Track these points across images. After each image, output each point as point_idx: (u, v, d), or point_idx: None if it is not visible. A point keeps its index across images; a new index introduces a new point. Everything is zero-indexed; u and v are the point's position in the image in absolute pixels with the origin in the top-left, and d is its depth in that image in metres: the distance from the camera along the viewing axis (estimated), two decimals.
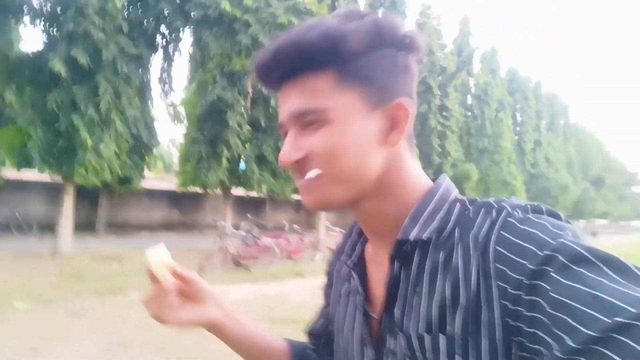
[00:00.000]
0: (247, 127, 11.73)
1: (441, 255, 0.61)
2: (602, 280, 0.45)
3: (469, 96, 27.41)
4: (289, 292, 8.43)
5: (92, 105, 8.88)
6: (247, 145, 11.96)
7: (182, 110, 14.67)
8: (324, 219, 15.22)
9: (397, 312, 0.64)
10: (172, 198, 21.15)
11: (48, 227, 14.40)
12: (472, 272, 0.57)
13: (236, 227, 11.43)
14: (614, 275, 0.45)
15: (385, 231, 0.68)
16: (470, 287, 0.56)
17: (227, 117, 11.08)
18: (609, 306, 0.42)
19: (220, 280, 8.91)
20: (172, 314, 0.76)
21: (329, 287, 0.90)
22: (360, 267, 0.76)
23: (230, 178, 12.11)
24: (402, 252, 0.65)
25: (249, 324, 0.85)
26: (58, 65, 8.29)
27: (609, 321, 0.41)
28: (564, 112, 40.60)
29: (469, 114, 27.13)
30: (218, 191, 13.68)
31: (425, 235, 0.63)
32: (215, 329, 0.82)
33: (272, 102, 11.90)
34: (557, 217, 0.57)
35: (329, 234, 14.52)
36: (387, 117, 0.65)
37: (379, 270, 0.72)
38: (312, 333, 0.94)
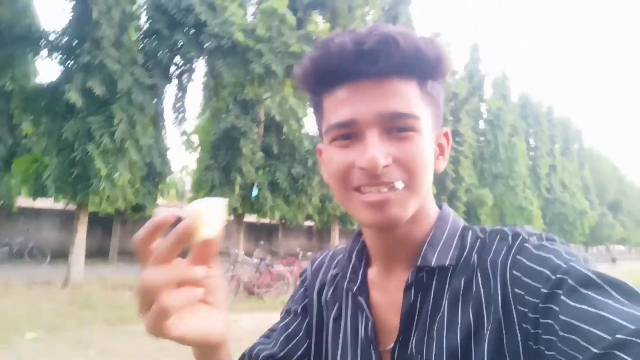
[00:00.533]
0: (260, 154, 11.79)
1: (462, 283, 0.61)
2: (608, 301, 0.46)
3: (481, 121, 27.36)
4: None
5: (107, 134, 9.00)
6: (260, 172, 11.99)
7: (195, 138, 14.85)
8: (337, 245, 15.11)
9: (414, 342, 0.61)
10: None
11: (61, 255, 14.46)
12: (493, 297, 0.57)
13: (248, 254, 11.32)
14: (620, 297, 0.46)
15: (401, 256, 0.67)
16: (492, 313, 0.56)
17: (240, 145, 11.15)
18: (611, 324, 0.43)
19: (232, 309, 8.77)
20: (183, 319, 0.49)
21: (303, 311, 0.81)
22: (366, 293, 0.71)
23: (243, 205, 12.11)
24: (418, 279, 0.63)
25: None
26: (74, 96, 8.45)
27: (610, 338, 0.42)
28: (577, 136, 40.27)
29: (482, 139, 27.02)
30: (230, 218, 13.67)
31: (447, 262, 0.62)
32: (213, 350, 0.57)
33: (285, 129, 11.98)
34: (568, 246, 0.58)
35: None
36: (436, 143, 0.66)
37: (387, 298, 0.68)
38: (259, 358, 0.76)
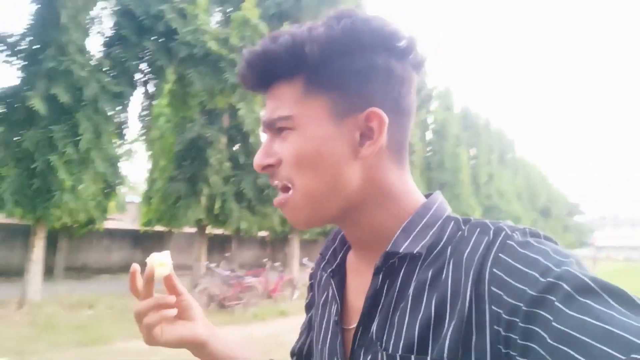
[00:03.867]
0: (226, 164, 11.61)
1: (430, 273, 0.58)
2: (611, 313, 0.42)
3: (428, 132, 28.49)
4: (279, 334, 8.16)
5: (71, 144, 8.51)
6: (226, 183, 11.80)
7: (140, 147, 14.20)
8: (297, 255, 15.05)
9: (374, 327, 0.61)
10: (133, 238, 20.24)
11: (13, 273, 13.42)
12: (461, 293, 0.53)
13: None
14: (620, 307, 0.43)
15: (373, 242, 0.65)
16: (456, 310, 0.53)
17: (207, 155, 10.93)
18: (623, 341, 0.39)
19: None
20: (164, 331, 0.70)
21: (312, 301, 0.85)
22: (341, 275, 0.72)
23: (207, 216, 11.84)
24: (389, 265, 0.62)
25: (231, 341, 0.79)
26: (38, 103, 7.94)
27: (624, 358, 0.38)
28: (511, 147, 42.86)
29: (429, 149, 28.13)
30: (187, 230, 13.28)
31: (416, 250, 0.60)
32: (201, 348, 0.74)
33: (251, 139, 11.90)
34: (555, 242, 0.54)
35: (304, 270, 14.33)
36: (359, 128, 0.61)
37: (360, 281, 0.68)
38: (296, 354, 0.88)
